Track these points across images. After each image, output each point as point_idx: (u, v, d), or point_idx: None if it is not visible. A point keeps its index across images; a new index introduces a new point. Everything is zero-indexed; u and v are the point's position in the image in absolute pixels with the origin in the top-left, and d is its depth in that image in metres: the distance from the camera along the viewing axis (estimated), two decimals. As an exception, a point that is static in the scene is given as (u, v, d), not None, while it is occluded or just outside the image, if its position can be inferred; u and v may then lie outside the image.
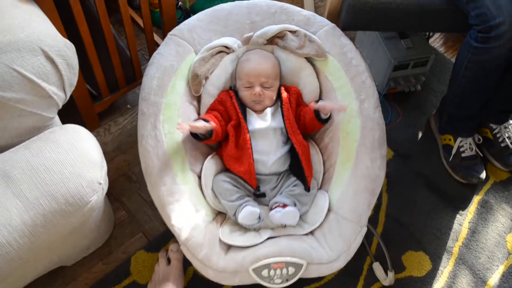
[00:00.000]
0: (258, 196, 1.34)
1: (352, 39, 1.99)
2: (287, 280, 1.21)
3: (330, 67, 1.43)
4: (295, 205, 1.30)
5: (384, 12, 1.48)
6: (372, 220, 1.55)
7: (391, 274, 1.41)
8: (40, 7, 1.16)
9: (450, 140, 1.67)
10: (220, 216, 1.35)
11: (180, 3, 1.91)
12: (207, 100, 1.42)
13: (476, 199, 1.63)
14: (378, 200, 1.59)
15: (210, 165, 1.37)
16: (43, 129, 1.14)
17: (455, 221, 1.57)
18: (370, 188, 1.28)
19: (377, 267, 1.44)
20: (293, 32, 1.43)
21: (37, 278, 1.31)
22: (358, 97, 1.36)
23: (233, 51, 1.44)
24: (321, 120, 1.35)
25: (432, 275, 1.46)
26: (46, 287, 1.37)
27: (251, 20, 1.47)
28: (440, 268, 1.48)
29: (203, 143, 1.39)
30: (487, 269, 1.48)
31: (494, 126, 1.68)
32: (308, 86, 1.45)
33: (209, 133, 1.31)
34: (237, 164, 1.33)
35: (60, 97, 1.11)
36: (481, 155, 1.67)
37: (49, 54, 1.03)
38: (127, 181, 1.58)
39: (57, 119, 1.22)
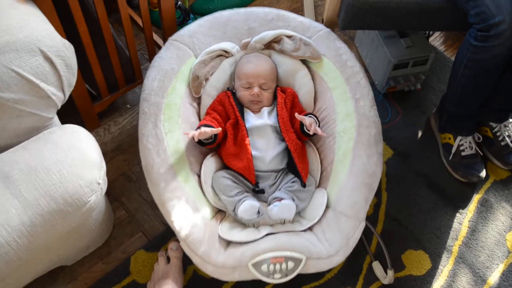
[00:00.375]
0: (257, 192, 1.36)
1: (352, 38, 2.00)
2: (286, 275, 1.22)
3: (325, 68, 1.47)
4: (293, 200, 1.31)
5: (383, 11, 1.48)
6: (372, 219, 1.55)
7: (390, 273, 1.41)
8: (39, 7, 1.16)
9: (450, 139, 1.67)
10: (220, 214, 1.36)
11: (179, 2, 1.91)
12: (207, 101, 1.47)
13: (476, 197, 1.63)
14: (378, 199, 1.59)
15: (210, 163, 1.39)
16: (42, 129, 1.14)
17: (455, 220, 1.57)
18: (367, 184, 1.29)
19: (377, 266, 1.44)
20: (289, 36, 1.49)
21: (37, 277, 1.31)
22: (354, 96, 1.40)
23: (232, 55, 1.50)
24: (304, 133, 1.38)
25: (432, 274, 1.47)
26: (46, 287, 1.38)
27: (249, 26, 1.53)
28: (440, 267, 1.48)
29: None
30: (487, 267, 1.48)
31: (494, 125, 1.68)
32: (303, 87, 1.49)
33: (213, 138, 1.35)
34: (236, 161, 1.36)
35: (59, 98, 1.11)
36: (481, 154, 1.67)
37: (47, 54, 1.03)
38: (127, 181, 1.58)
39: (56, 119, 1.22)
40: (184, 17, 1.95)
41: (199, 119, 1.46)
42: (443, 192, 1.63)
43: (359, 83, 1.41)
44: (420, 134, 1.77)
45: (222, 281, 1.38)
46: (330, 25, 1.59)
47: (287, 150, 1.37)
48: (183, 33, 1.48)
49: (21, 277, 1.20)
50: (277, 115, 1.40)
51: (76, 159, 1.07)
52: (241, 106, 1.43)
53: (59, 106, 1.14)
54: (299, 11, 2.08)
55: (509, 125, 1.68)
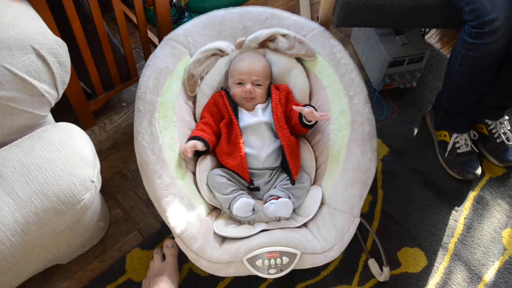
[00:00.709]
0: (252, 189, 1.36)
1: (347, 36, 2.00)
2: (281, 270, 1.22)
3: (319, 66, 1.48)
4: (289, 198, 1.31)
5: (378, 8, 1.48)
6: (368, 216, 1.55)
7: (386, 270, 1.41)
8: (32, 6, 1.16)
9: (445, 136, 1.67)
10: (215, 211, 1.37)
11: (174, 0, 1.91)
12: (202, 100, 1.48)
13: (471, 195, 1.63)
14: (373, 197, 1.59)
15: (205, 160, 1.40)
16: (36, 127, 1.14)
17: (451, 217, 1.57)
18: (361, 180, 1.30)
19: (373, 264, 1.45)
20: (283, 35, 1.49)
21: (32, 276, 1.31)
22: (348, 94, 1.40)
23: (227, 54, 1.50)
24: (304, 125, 1.38)
25: (427, 271, 1.47)
26: (41, 285, 1.37)
27: (243, 25, 1.54)
28: (436, 264, 1.48)
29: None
30: (483, 264, 1.49)
31: (489, 122, 1.68)
32: (298, 84, 1.50)
33: (207, 148, 1.37)
34: (230, 159, 1.36)
35: (52, 95, 1.11)
36: (477, 151, 1.67)
37: (40, 52, 1.03)
38: (122, 179, 1.58)
39: (50, 117, 1.22)
40: (179, 15, 1.95)
41: (194, 118, 1.47)
42: (439, 190, 1.63)
43: (353, 81, 1.41)
44: (415, 131, 1.77)
45: (218, 279, 1.38)
46: (326, 22, 1.59)
47: (281, 148, 1.38)
48: (178, 32, 1.49)
49: (15, 276, 1.20)
50: (272, 111, 1.40)
51: (70, 157, 1.07)
52: (235, 105, 1.43)
53: (53, 104, 1.14)
54: (295, 9, 2.08)
55: (505, 122, 1.68)
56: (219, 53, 1.49)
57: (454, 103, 1.57)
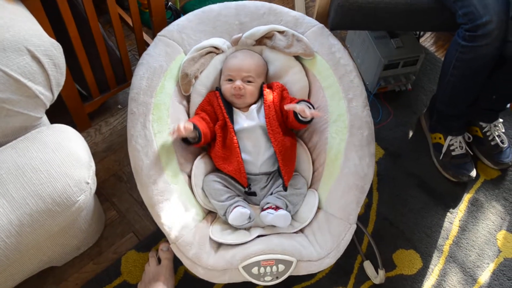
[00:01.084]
0: (249, 194, 1.35)
1: (343, 39, 2.01)
2: (277, 278, 1.21)
3: (318, 66, 1.45)
4: (286, 206, 1.31)
5: (372, 11, 1.48)
6: (363, 219, 1.55)
7: (381, 273, 1.41)
8: (27, 8, 1.16)
9: (440, 138, 1.67)
10: (211, 215, 1.35)
11: (169, 3, 1.92)
12: (197, 99, 1.44)
13: (466, 197, 1.63)
14: (369, 199, 1.59)
15: (200, 164, 1.38)
16: (31, 129, 1.14)
17: (446, 219, 1.58)
18: (359, 186, 1.28)
19: (368, 266, 1.45)
20: (281, 32, 1.45)
21: (27, 278, 1.30)
22: (346, 96, 1.38)
23: (223, 51, 1.46)
24: (300, 122, 1.35)
25: (422, 273, 1.47)
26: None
27: (240, 21, 1.49)
28: (431, 266, 1.48)
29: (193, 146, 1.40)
30: (478, 267, 1.49)
31: (484, 125, 1.69)
32: (297, 83, 1.46)
33: (198, 137, 1.32)
34: (226, 164, 1.34)
35: (47, 97, 1.11)
36: (471, 153, 1.67)
37: (35, 53, 1.03)
38: (118, 181, 1.58)
39: (45, 119, 1.22)
40: (175, 18, 1.95)
41: (189, 118, 1.44)
42: (434, 192, 1.63)
43: (352, 82, 1.39)
44: (411, 134, 1.77)
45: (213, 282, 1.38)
46: (321, 25, 1.59)
47: None
48: (172, 28, 1.44)
49: (10, 278, 1.19)
50: (264, 114, 1.37)
51: (65, 159, 1.07)
52: (229, 107, 1.39)
53: (48, 106, 1.14)
54: (291, 12, 2.09)
55: (499, 125, 1.69)
56: (215, 50, 1.44)
57: (449, 105, 1.58)
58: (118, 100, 1.77)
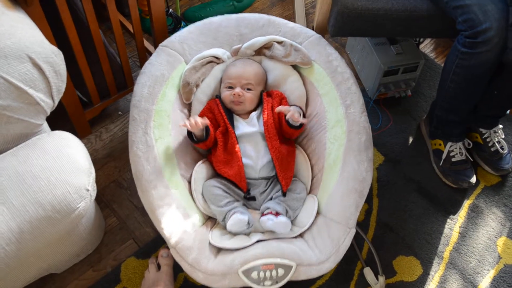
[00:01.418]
0: (248, 199, 1.35)
1: (343, 45, 2.02)
2: (276, 282, 1.21)
3: (316, 74, 1.47)
4: (286, 212, 1.31)
5: (372, 18, 1.49)
6: (363, 225, 1.55)
7: (381, 279, 1.41)
8: (28, 15, 1.16)
9: (440, 145, 1.67)
10: (211, 220, 1.36)
11: (170, 10, 1.92)
12: (198, 107, 1.47)
13: (466, 203, 1.63)
14: (369, 205, 1.59)
15: (201, 170, 1.39)
16: (31, 136, 1.14)
17: (446, 226, 1.58)
18: (357, 190, 1.29)
19: (368, 272, 1.44)
20: (279, 42, 1.49)
21: (27, 285, 1.30)
22: (344, 103, 1.40)
23: (223, 61, 1.50)
24: (290, 126, 1.37)
25: (423, 279, 1.47)
26: (35, 295, 1.37)
27: (239, 32, 1.53)
28: (431, 272, 1.48)
29: (192, 150, 1.41)
30: (478, 273, 1.49)
31: (483, 131, 1.69)
32: (295, 92, 1.49)
33: (205, 134, 1.34)
34: (227, 168, 1.36)
35: (48, 104, 1.11)
36: (471, 159, 1.67)
37: (36, 61, 1.03)
38: (118, 188, 1.58)
39: (45, 125, 1.22)
40: (176, 25, 1.96)
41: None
42: (434, 198, 1.63)
43: (349, 89, 1.41)
44: (410, 140, 1.77)
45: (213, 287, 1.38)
46: (321, 32, 1.60)
47: None
48: (174, 39, 1.48)
49: (10, 285, 1.19)
50: (262, 121, 1.40)
51: (65, 166, 1.07)
52: (230, 114, 1.42)
53: (48, 113, 1.14)
54: (291, 18, 2.10)
55: (499, 131, 1.69)
56: (215, 60, 1.48)
57: (448, 112, 1.58)
58: (119, 107, 1.77)
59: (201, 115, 1.43)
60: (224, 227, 1.33)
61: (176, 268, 1.38)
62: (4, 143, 1.10)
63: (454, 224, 1.58)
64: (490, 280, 1.48)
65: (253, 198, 1.36)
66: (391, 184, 1.65)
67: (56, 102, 1.15)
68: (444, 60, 1.99)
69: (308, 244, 1.27)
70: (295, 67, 1.51)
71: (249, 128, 1.40)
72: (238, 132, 1.38)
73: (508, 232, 1.57)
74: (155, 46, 1.61)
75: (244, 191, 1.35)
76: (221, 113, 1.40)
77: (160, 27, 1.56)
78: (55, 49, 1.09)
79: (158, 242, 1.46)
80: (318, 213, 1.33)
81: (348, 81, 1.42)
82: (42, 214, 1.03)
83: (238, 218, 1.25)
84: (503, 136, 1.70)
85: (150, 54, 1.71)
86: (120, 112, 1.76)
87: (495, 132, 1.68)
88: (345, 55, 1.99)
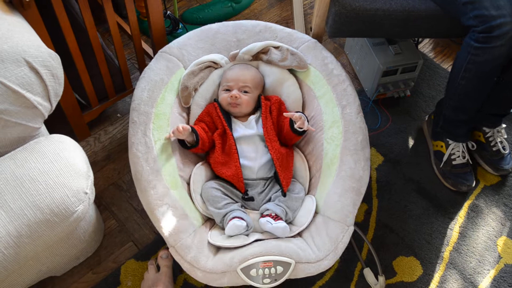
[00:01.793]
0: (247, 200, 1.36)
1: (341, 46, 2.02)
2: (275, 280, 1.21)
3: (312, 77, 1.50)
4: (286, 213, 1.31)
5: (371, 19, 1.49)
6: (363, 226, 1.55)
7: (381, 279, 1.41)
8: (26, 18, 1.16)
9: (442, 146, 1.66)
10: (209, 221, 1.37)
11: (168, 12, 1.92)
12: (196, 111, 1.49)
13: (466, 203, 1.63)
14: (368, 206, 1.59)
15: (200, 171, 1.40)
16: (29, 139, 1.14)
17: (446, 226, 1.57)
18: (355, 188, 1.30)
19: (368, 273, 1.44)
20: (276, 47, 1.51)
21: (26, 288, 1.30)
22: (340, 104, 1.41)
23: (221, 66, 1.52)
24: (296, 132, 1.38)
25: (423, 280, 1.46)
26: (35, 298, 1.37)
27: (237, 38, 1.56)
28: (431, 273, 1.48)
29: (191, 151, 1.41)
30: (478, 273, 1.48)
31: (487, 130, 1.68)
32: (291, 95, 1.51)
33: (196, 141, 1.37)
34: (225, 169, 1.37)
35: (46, 107, 1.11)
36: (471, 163, 1.66)
37: (33, 64, 1.03)
38: (117, 190, 1.58)
39: (43, 129, 1.22)
40: (174, 26, 1.96)
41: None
42: (434, 198, 1.63)
43: (345, 91, 1.43)
44: (410, 140, 1.77)
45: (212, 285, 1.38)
46: (319, 33, 1.60)
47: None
48: (173, 45, 1.51)
49: (9, 288, 1.19)
50: (261, 123, 1.42)
51: (63, 169, 1.07)
52: (228, 117, 1.44)
53: (46, 116, 1.14)
54: (289, 19, 2.10)
55: (502, 131, 1.68)
56: (213, 65, 1.50)
57: (457, 110, 1.56)
58: (117, 109, 1.77)
59: (199, 119, 1.46)
60: (223, 228, 1.33)
61: (176, 270, 1.38)
62: (2, 147, 1.10)
63: (454, 224, 1.58)
64: (491, 280, 1.47)
65: (252, 199, 1.36)
66: (390, 184, 1.65)
67: (54, 105, 1.15)
68: (443, 59, 2.00)
69: (306, 242, 1.28)
70: (291, 71, 1.53)
71: (247, 130, 1.42)
72: (236, 134, 1.40)
73: (508, 232, 1.57)
74: (153, 48, 1.62)
75: (242, 192, 1.36)
76: (219, 116, 1.42)
77: (158, 29, 1.56)
78: (52, 53, 1.09)
79: (157, 244, 1.46)
80: (316, 212, 1.34)
81: (344, 83, 1.44)
82: (41, 218, 1.03)
83: (235, 224, 1.26)
84: (506, 136, 1.69)
85: (148, 56, 1.72)
86: (119, 114, 1.76)
87: (498, 131, 1.68)
88: (344, 56, 1.99)
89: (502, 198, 1.64)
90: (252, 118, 1.44)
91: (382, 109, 1.83)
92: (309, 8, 2.15)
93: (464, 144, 1.64)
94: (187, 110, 1.49)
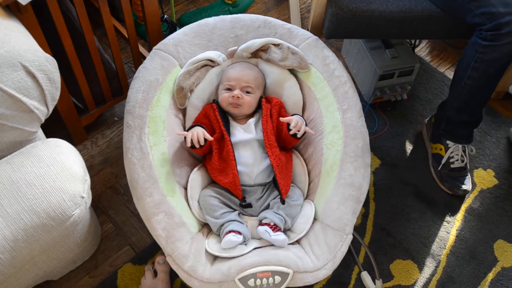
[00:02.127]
0: (244, 207, 1.34)
1: (338, 49, 2.02)
2: None
3: (313, 78, 1.45)
4: (285, 222, 1.29)
5: (367, 20, 1.49)
6: (360, 229, 1.55)
7: (379, 283, 1.41)
8: (22, 22, 1.16)
9: (441, 149, 1.66)
10: (206, 227, 1.35)
11: (165, 16, 1.92)
12: (192, 113, 1.44)
13: (463, 206, 1.63)
14: (366, 209, 1.59)
15: (196, 177, 1.37)
16: (26, 143, 1.14)
17: (443, 229, 1.58)
18: (354, 196, 1.28)
19: (365, 276, 1.44)
20: (276, 45, 1.46)
21: (23, 293, 1.30)
22: (341, 107, 1.38)
23: (218, 64, 1.47)
24: (294, 135, 1.34)
25: (420, 283, 1.46)
26: (32, 302, 1.36)
27: (235, 34, 1.50)
28: (428, 276, 1.48)
29: (188, 155, 1.40)
30: (475, 276, 1.48)
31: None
32: (292, 97, 1.47)
33: (204, 141, 1.32)
34: (222, 176, 1.33)
35: (42, 112, 1.11)
36: (469, 167, 1.66)
37: (29, 69, 1.03)
38: (114, 194, 1.58)
39: (40, 133, 1.22)
40: (171, 30, 1.96)
41: (185, 131, 1.43)
42: (431, 202, 1.63)
43: (346, 94, 1.39)
44: (407, 143, 1.78)
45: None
46: (316, 34, 1.59)
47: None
48: (168, 42, 1.45)
49: (5, 293, 1.19)
50: (261, 128, 1.37)
51: (59, 173, 1.07)
52: (226, 120, 1.39)
53: (43, 120, 1.14)
54: (286, 21, 2.09)
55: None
56: (210, 63, 1.45)
57: (462, 111, 1.55)
58: (115, 113, 1.77)
59: (196, 120, 1.41)
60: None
61: (173, 275, 1.38)
62: (-1, 151, 1.10)
63: (451, 228, 1.58)
64: (488, 283, 1.48)
65: (249, 205, 1.34)
66: (387, 188, 1.65)
67: (51, 109, 1.15)
68: (440, 63, 2.00)
69: (304, 251, 1.26)
70: (291, 70, 1.48)
71: (245, 135, 1.37)
72: (234, 139, 1.36)
73: (504, 235, 1.57)
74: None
75: (239, 199, 1.34)
76: (217, 119, 1.37)
77: (155, 32, 1.56)
78: (49, 57, 1.09)
79: (154, 248, 1.46)
80: (315, 219, 1.32)
81: (345, 85, 1.41)
82: (37, 222, 1.03)
83: (231, 240, 1.23)
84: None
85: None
86: (116, 118, 1.76)
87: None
88: (341, 59, 1.98)
89: (499, 201, 1.64)
90: (252, 121, 1.40)
91: (379, 113, 1.84)
92: (306, 12, 2.15)
93: (464, 148, 1.64)
94: (183, 112, 1.44)
